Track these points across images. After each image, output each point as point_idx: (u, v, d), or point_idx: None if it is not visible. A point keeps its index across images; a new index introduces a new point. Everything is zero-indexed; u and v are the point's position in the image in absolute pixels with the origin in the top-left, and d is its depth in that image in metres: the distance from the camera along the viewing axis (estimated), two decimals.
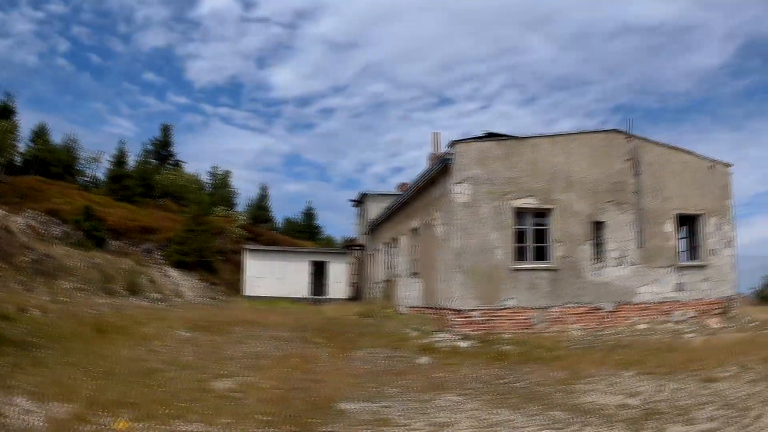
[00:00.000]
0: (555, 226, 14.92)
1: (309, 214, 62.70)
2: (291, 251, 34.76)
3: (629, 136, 16.10)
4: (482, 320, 13.84)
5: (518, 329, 13.84)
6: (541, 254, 14.94)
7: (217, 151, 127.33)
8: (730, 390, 7.29)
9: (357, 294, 32.24)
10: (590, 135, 15.98)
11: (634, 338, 12.95)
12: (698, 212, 16.63)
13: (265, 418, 5.56)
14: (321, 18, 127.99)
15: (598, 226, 15.38)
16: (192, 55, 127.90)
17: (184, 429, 5.14)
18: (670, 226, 16.13)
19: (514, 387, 7.89)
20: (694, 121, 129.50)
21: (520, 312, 14.18)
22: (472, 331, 13.47)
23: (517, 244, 14.59)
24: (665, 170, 16.31)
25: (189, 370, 8.05)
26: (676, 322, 15.14)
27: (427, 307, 16.59)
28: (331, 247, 46.07)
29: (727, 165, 17.24)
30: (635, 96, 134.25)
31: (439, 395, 7.19)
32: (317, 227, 62.56)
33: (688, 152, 16.83)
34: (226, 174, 58.05)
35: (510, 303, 14.18)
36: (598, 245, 15.32)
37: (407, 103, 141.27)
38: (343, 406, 6.40)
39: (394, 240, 22.24)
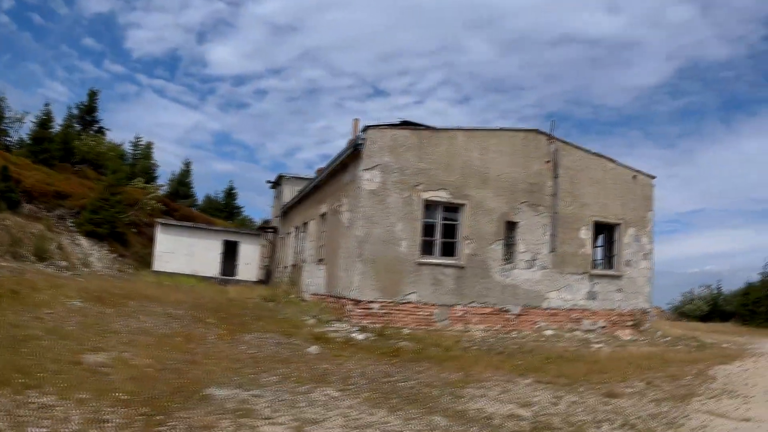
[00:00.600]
0: (465, 223, 14.28)
1: (230, 194, 61.66)
2: (204, 229, 33.65)
3: (551, 137, 15.63)
4: (382, 313, 13.07)
5: (419, 325, 13.19)
6: (448, 250, 14.30)
7: (148, 123, 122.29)
8: (633, 408, 6.79)
9: (267, 277, 31.51)
10: (511, 132, 15.39)
11: (538, 344, 12.54)
12: (617, 221, 16.40)
13: (123, 397, 5.23)
14: None
15: (510, 226, 14.85)
16: (133, 24, 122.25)
17: (34, 400, 4.84)
18: (585, 233, 15.79)
19: (399, 386, 7.20)
20: (626, 136, 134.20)
21: (422, 308, 13.50)
22: (371, 323, 12.69)
23: (424, 238, 13.87)
24: (585, 176, 15.98)
25: (67, 341, 7.76)
26: (585, 331, 14.85)
27: (329, 296, 15.76)
28: (245, 227, 44.89)
29: (651, 177, 17.12)
30: (569, 105, 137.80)
31: (317, 388, 6.63)
32: (237, 207, 61.60)
33: (611, 160, 16.56)
34: (149, 146, 55.84)
35: (412, 297, 13.45)
36: (509, 246, 14.79)
37: (342, 91, 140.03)
38: (210, 391, 5.96)
39: (305, 224, 21.27)
